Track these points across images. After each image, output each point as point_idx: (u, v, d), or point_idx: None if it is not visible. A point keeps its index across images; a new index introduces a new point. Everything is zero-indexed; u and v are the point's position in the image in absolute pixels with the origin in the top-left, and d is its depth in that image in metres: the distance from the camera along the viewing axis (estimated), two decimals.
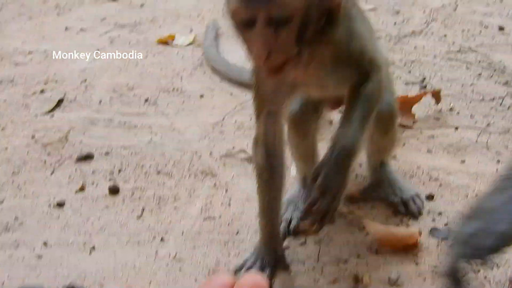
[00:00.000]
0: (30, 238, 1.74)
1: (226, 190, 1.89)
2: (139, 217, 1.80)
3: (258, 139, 1.51)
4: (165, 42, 2.76)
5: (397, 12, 3.01)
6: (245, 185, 1.87)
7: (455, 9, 3.01)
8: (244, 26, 1.18)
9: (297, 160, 1.77)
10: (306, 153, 1.73)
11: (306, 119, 1.67)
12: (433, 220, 1.74)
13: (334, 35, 1.28)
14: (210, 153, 2.05)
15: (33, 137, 2.17)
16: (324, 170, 1.32)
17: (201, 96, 2.37)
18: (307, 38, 1.21)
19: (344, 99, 1.48)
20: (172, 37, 2.77)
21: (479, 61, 2.52)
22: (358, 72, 1.38)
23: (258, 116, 1.48)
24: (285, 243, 1.67)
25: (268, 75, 1.25)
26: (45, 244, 1.71)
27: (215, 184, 1.92)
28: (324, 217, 1.33)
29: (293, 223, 1.70)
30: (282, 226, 1.69)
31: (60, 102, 2.36)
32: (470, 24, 2.86)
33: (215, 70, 2.49)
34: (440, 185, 1.87)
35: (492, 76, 2.42)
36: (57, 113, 2.31)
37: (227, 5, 1.21)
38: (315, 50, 1.28)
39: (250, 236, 1.71)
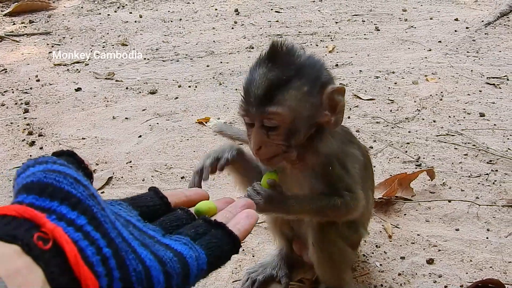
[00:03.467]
0: None
1: (253, 255, 1.97)
2: None
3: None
4: (202, 122, 3.04)
5: (392, 101, 3.20)
6: (269, 250, 1.95)
7: (441, 99, 3.19)
8: (248, 125, 1.36)
9: (273, 232, 1.84)
10: (282, 229, 1.79)
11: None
12: (434, 282, 1.78)
13: (321, 147, 1.39)
14: None
15: None
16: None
17: (229, 173, 2.49)
18: (295, 141, 1.32)
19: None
20: (208, 119, 3.05)
21: (465, 143, 2.65)
22: (333, 191, 1.42)
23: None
24: None
25: (261, 162, 1.38)
26: None
27: (243, 250, 1.99)
28: None
29: (256, 284, 1.79)
30: (247, 284, 1.79)
31: (109, 180, 2.49)
32: (455, 111, 3.02)
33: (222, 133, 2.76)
34: (439, 250, 1.93)
35: (477, 155, 2.53)
36: (107, 189, 2.43)
37: (238, 110, 1.38)
38: (304, 153, 1.38)
39: None
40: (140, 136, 2.91)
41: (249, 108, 1.29)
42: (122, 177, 2.51)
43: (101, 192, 2.41)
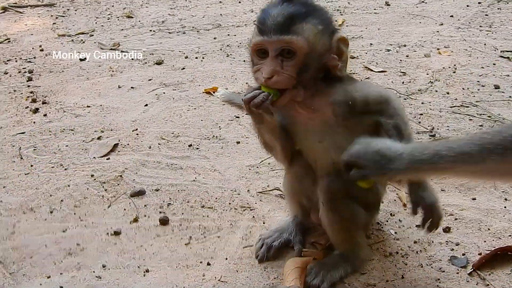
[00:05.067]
0: (90, 262, 1.74)
1: (264, 222, 1.89)
2: (187, 244, 1.80)
3: None
4: (210, 92, 2.93)
5: (404, 74, 3.08)
6: (281, 217, 1.87)
7: (454, 71, 3.07)
8: (259, 54, 1.35)
9: (290, 201, 1.77)
10: (299, 199, 1.72)
11: (304, 179, 1.64)
12: (452, 249, 1.71)
13: (331, 91, 1.39)
14: (248, 190, 2.07)
15: (92, 176, 2.20)
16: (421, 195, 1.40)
17: (238, 142, 2.41)
18: (305, 78, 1.34)
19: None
20: (216, 89, 2.94)
21: (480, 114, 2.55)
22: (372, 114, 1.43)
23: None
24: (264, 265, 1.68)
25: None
26: (103, 266, 1.71)
27: (253, 217, 1.92)
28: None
29: (272, 250, 1.70)
30: (262, 250, 1.70)
31: (115, 146, 2.41)
32: (469, 83, 2.91)
33: (231, 102, 2.79)
34: (455, 219, 1.85)
35: (493, 126, 2.42)
36: (113, 156, 2.35)
37: (251, 40, 1.37)
38: (313, 97, 1.38)
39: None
40: (146, 105, 2.81)
41: (267, 35, 1.30)
42: (128, 144, 2.43)
43: (107, 159, 2.33)
